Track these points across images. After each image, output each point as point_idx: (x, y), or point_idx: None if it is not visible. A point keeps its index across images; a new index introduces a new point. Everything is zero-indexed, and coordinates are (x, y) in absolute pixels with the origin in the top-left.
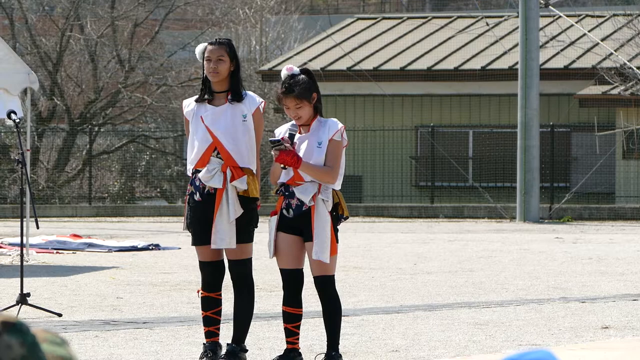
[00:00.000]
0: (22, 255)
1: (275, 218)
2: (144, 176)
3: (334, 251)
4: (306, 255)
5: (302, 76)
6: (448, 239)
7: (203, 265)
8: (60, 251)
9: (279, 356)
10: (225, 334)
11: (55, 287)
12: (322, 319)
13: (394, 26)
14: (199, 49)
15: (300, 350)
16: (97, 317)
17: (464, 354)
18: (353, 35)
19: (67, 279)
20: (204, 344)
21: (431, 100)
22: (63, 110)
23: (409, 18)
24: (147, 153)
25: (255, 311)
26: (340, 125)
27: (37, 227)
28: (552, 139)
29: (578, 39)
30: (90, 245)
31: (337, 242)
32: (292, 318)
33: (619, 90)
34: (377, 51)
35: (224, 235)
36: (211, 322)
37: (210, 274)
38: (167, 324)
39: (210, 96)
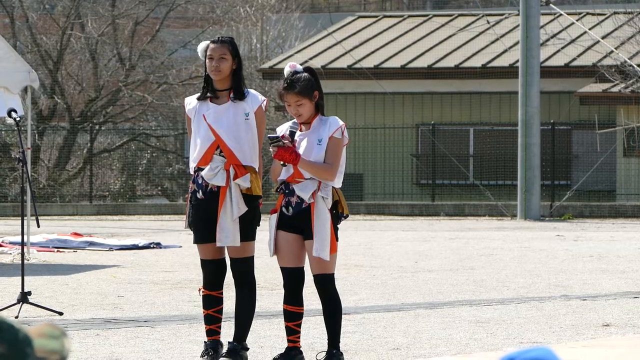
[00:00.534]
0: (23, 254)
1: (275, 216)
2: (145, 174)
3: (333, 249)
4: (306, 253)
5: (305, 74)
6: (449, 236)
7: (205, 264)
8: (61, 250)
9: (280, 354)
10: (227, 332)
11: (56, 285)
12: (322, 317)
13: (394, 24)
14: (201, 46)
15: (301, 349)
16: (98, 315)
17: (465, 351)
18: (354, 34)
19: (68, 277)
20: (205, 342)
21: (432, 98)
22: (64, 108)
23: (409, 16)
24: (148, 151)
25: (256, 309)
26: (341, 123)
27: (38, 226)
28: (553, 137)
29: (579, 36)
30: (91, 243)
31: (337, 240)
32: (293, 316)
33: (620, 88)
34: (377, 49)
35: (228, 233)
36: (212, 321)
37: (212, 272)
38: (168, 322)
39: (212, 94)
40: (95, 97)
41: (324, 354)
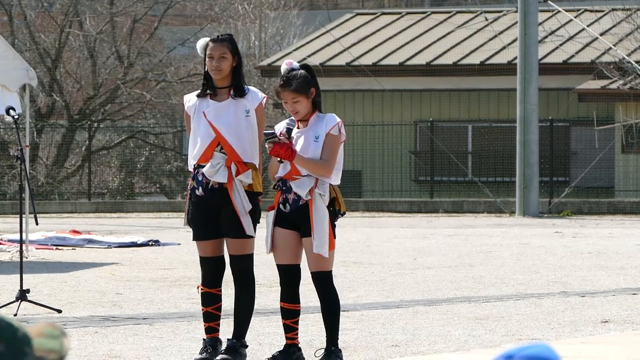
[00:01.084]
0: (21, 252)
1: (272, 213)
2: (144, 172)
3: (331, 246)
4: (303, 250)
5: (301, 71)
6: (448, 233)
7: (203, 261)
8: (59, 247)
9: (279, 352)
10: (225, 330)
11: (55, 283)
12: (321, 314)
13: (393, 21)
14: (200, 43)
15: (299, 346)
16: (97, 313)
17: (463, 348)
18: (352, 31)
19: (67, 275)
20: (204, 339)
21: (430, 95)
22: (62, 106)
23: (408, 13)
24: (147, 149)
25: (255, 307)
26: (338, 119)
27: (37, 224)
28: (551, 134)
29: (577, 33)
30: (90, 241)
31: (335, 237)
32: (290, 314)
33: (618, 85)
34: (376, 46)
35: (249, 225)
36: (211, 318)
37: (211, 269)
38: (167, 319)
39: (212, 91)
40: (94, 95)
41: (322, 351)
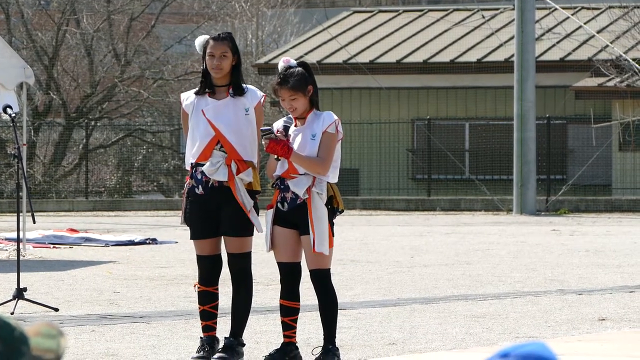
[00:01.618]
0: (18, 250)
1: (271, 211)
2: (141, 170)
3: (330, 244)
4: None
5: (298, 69)
6: (445, 231)
7: (200, 259)
8: (57, 246)
9: (276, 350)
10: (222, 328)
11: (52, 281)
12: (318, 312)
13: (390, 19)
14: (199, 41)
15: (297, 344)
16: (94, 311)
17: (460, 346)
18: (349, 29)
19: (64, 273)
20: (201, 337)
21: (427, 93)
22: (59, 104)
23: (405, 11)
24: (144, 147)
25: (252, 305)
26: (334, 117)
27: (34, 222)
28: (549, 131)
29: (574, 31)
30: (87, 239)
31: (333, 235)
32: (289, 311)
33: (615, 82)
34: (373, 44)
35: (257, 221)
36: (208, 317)
37: (208, 268)
38: (164, 318)
39: (210, 89)
40: (91, 93)
41: (319, 349)
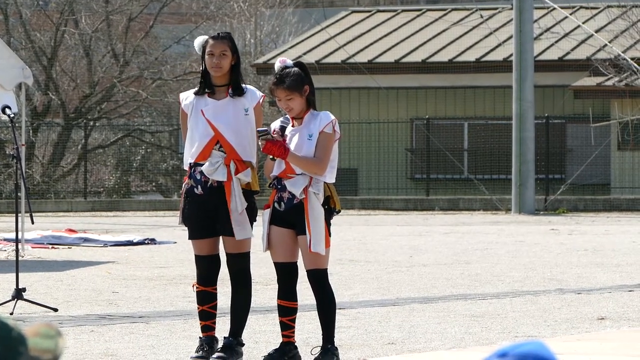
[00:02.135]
0: (17, 251)
1: (268, 211)
2: (140, 170)
3: (326, 244)
4: (299, 248)
5: (295, 69)
6: (444, 231)
7: (199, 260)
8: (55, 246)
9: (275, 349)
10: (222, 328)
11: (51, 282)
12: (317, 312)
13: (388, 19)
14: (198, 41)
15: (296, 344)
16: (93, 311)
17: (459, 346)
18: (348, 28)
19: (63, 273)
20: (200, 337)
21: (426, 93)
22: (58, 104)
23: (403, 11)
24: (143, 147)
25: (251, 305)
26: (331, 117)
27: (32, 222)
28: (547, 131)
29: (572, 30)
30: (86, 240)
31: (330, 235)
32: (287, 311)
33: (614, 82)
34: (371, 44)
35: (243, 225)
36: (207, 317)
37: (206, 268)
38: (163, 318)
39: (210, 89)
40: (90, 94)
41: (318, 348)
